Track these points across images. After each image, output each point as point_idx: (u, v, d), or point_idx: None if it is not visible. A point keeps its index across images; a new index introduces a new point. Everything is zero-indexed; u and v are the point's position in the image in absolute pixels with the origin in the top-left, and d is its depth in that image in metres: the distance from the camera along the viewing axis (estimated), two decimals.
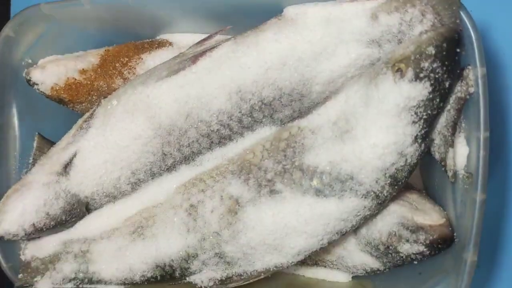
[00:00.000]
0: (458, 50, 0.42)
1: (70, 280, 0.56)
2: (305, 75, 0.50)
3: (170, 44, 0.62)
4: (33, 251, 0.57)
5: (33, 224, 0.53)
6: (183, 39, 0.63)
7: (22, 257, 0.57)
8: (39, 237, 0.57)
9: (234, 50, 0.51)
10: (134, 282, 0.55)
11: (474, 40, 0.43)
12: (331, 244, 0.53)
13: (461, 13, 0.43)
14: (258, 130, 0.53)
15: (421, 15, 0.44)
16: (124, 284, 0.56)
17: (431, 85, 0.42)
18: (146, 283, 0.55)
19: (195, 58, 0.52)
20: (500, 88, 0.57)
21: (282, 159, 0.48)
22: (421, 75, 0.42)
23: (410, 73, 0.42)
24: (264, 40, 0.50)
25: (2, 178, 0.58)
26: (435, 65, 0.42)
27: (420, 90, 0.42)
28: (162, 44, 0.62)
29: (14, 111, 0.60)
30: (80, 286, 0.56)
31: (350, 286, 0.57)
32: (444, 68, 0.42)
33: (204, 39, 0.55)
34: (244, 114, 0.52)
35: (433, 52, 0.42)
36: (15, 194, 0.53)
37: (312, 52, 0.49)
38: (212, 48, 0.52)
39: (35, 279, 0.55)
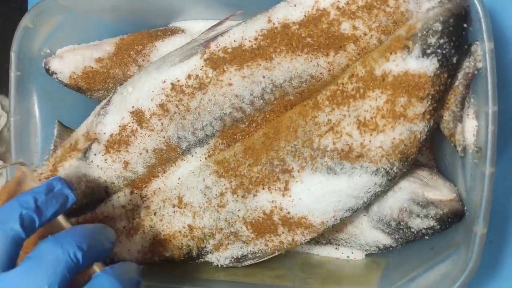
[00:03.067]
0: (465, 25, 0.43)
1: None
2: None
3: (183, 31, 0.64)
4: None
5: None
6: (195, 25, 0.64)
7: None
8: None
9: (244, 34, 0.52)
10: (153, 261, 0.57)
11: (481, 15, 0.43)
12: (343, 222, 0.54)
13: None
14: (269, 112, 0.54)
15: None
16: (144, 263, 0.58)
17: (439, 61, 0.43)
18: (164, 262, 0.57)
19: (207, 43, 0.54)
20: (509, 63, 0.57)
21: (292, 138, 0.49)
22: (428, 51, 0.42)
23: (417, 49, 0.43)
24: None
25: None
26: (442, 41, 0.42)
27: (428, 66, 0.43)
28: (174, 32, 0.64)
29: (35, 99, 0.62)
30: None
31: (364, 264, 0.58)
32: (452, 44, 0.42)
33: (215, 25, 0.56)
34: (255, 96, 0.53)
35: (440, 28, 0.42)
36: None
37: None
38: (223, 33, 0.54)
39: None
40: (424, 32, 0.42)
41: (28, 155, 0.61)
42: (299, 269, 0.57)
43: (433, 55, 0.42)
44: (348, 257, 0.59)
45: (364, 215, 0.54)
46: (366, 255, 0.58)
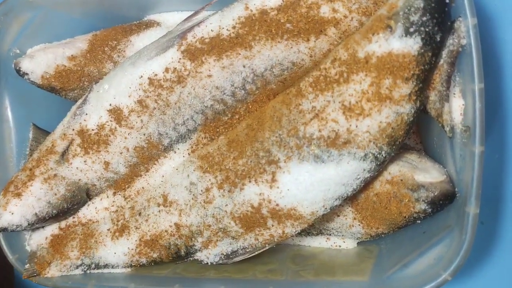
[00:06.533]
0: (447, 1, 0.42)
1: (77, 266, 0.56)
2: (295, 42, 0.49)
3: (158, 24, 0.62)
4: (37, 240, 0.57)
5: (36, 214, 0.53)
6: (171, 18, 0.62)
7: (28, 248, 0.57)
8: (43, 227, 0.57)
9: (222, 23, 0.50)
10: (141, 264, 0.55)
11: None
12: (333, 211, 0.52)
13: None
14: (252, 103, 0.52)
15: None
16: (131, 266, 0.56)
17: (422, 39, 0.41)
18: (152, 264, 0.55)
19: (183, 35, 0.52)
20: (493, 40, 0.56)
21: (277, 128, 0.48)
22: (411, 29, 0.41)
23: (399, 28, 0.41)
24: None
25: (0, 170, 0.58)
26: (424, 18, 0.41)
27: (411, 46, 0.41)
28: (149, 25, 0.62)
29: (7, 103, 0.60)
30: (88, 271, 0.56)
31: (356, 253, 0.57)
32: (435, 21, 0.41)
33: (191, 15, 0.54)
34: (237, 87, 0.51)
35: (422, 4, 0.41)
36: None
37: None
38: (199, 23, 0.52)
39: (42, 268, 0.56)
40: (406, 10, 0.41)
41: (3, 161, 0.59)
42: (291, 261, 0.56)
43: (416, 33, 0.41)
44: (339, 246, 0.58)
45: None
46: (358, 243, 0.58)
